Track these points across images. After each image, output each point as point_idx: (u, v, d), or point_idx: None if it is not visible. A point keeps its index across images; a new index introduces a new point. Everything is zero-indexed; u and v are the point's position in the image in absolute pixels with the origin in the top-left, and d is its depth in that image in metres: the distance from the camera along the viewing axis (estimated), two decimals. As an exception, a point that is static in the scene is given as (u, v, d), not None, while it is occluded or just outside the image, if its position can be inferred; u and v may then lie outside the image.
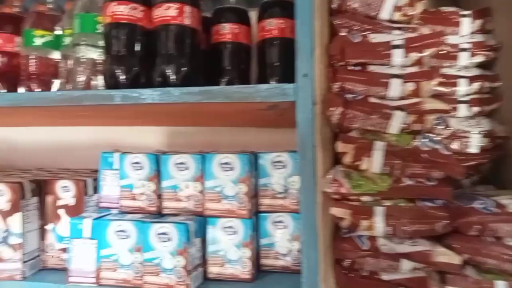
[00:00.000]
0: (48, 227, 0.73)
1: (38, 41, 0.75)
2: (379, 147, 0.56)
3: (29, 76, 0.76)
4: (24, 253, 0.69)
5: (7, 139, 1.11)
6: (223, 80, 0.72)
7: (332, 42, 0.61)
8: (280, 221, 0.71)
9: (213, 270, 0.68)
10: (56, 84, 0.77)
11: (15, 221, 0.68)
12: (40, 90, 0.76)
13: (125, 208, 0.72)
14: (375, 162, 0.56)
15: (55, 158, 1.07)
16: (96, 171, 0.86)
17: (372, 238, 0.57)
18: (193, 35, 0.67)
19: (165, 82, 0.65)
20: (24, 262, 0.68)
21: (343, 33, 0.61)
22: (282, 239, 0.71)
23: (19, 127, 1.09)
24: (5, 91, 0.78)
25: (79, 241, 0.67)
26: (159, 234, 0.63)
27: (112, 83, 0.66)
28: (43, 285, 0.67)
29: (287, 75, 0.65)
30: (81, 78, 0.69)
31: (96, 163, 0.84)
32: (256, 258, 0.70)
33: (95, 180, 0.76)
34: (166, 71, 0.65)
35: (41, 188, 0.73)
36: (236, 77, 0.72)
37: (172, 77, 0.65)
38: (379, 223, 0.55)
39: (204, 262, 0.68)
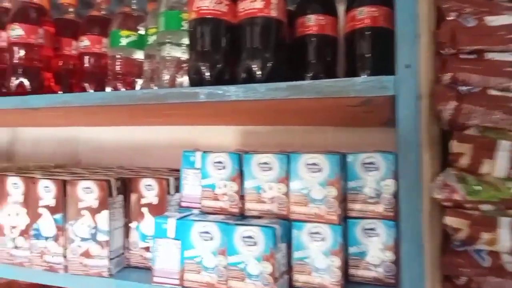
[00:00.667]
0: (132, 225, 0.73)
1: (123, 41, 0.77)
2: (504, 147, 0.48)
3: (115, 75, 0.78)
4: (111, 251, 0.70)
5: (90, 138, 1.17)
6: (308, 74, 0.67)
7: (440, 27, 0.54)
8: (371, 229, 0.65)
9: (300, 278, 0.63)
10: (139, 83, 0.78)
11: (103, 218, 0.69)
12: (125, 89, 0.77)
13: (206, 209, 0.70)
14: (499, 164, 0.48)
15: (133, 157, 1.10)
16: (174, 170, 0.86)
17: (495, 254, 0.49)
18: (279, 27, 0.63)
19: (250, 78, 0.62)
20: (111, 259, 0.69)
21: (451, 17, 0.54)
22: (374, 248, 0.64)
23: (102, 126, 1.14)
24: (93, 90, 0.81)
25: (163, 241, 0.66)
26: (244, 237, 0.60)
27: (196, 80, 0.64)
28: (129, 284, 0.67)
29: (380, 67, 0.60)
30: (166, 77, 0.68)
31: (174, 162, 0.84)
32: (344, 268, 0.65)
33: (177, 179, 0.75)
34: (252, 66, 0.62)
35: (126, 186, 0.74)
36: (322, 71, 0.68)
37: (258, 72, 0.62)
38: (504, 237, 0.47)
39: (289, 269, 0.64)
